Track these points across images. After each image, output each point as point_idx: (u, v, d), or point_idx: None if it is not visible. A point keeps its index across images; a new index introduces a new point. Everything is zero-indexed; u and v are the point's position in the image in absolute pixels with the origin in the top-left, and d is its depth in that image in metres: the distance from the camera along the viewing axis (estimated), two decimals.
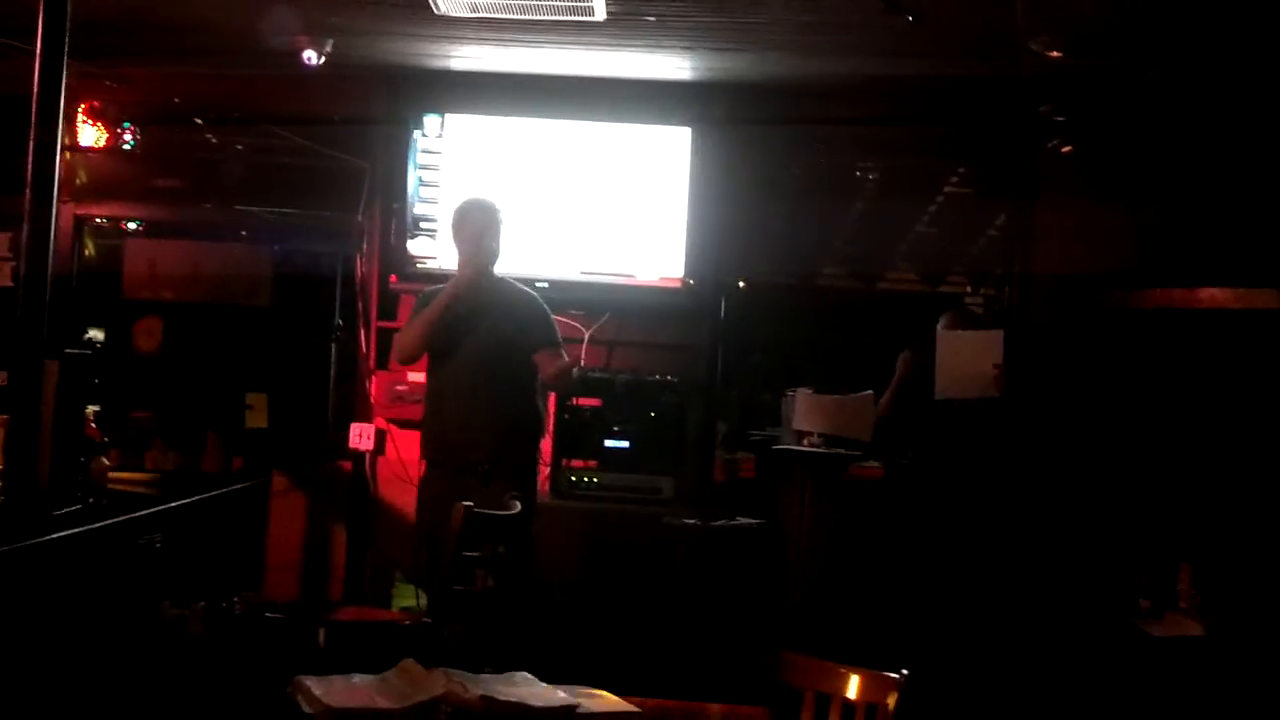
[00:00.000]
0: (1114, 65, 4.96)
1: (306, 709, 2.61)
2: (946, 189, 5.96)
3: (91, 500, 3.76)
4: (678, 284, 5.74)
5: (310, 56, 5.08)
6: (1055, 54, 4.58)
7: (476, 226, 4.88)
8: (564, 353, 4.97)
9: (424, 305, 4.91)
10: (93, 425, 4.21)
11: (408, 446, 5.67)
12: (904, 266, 6.06)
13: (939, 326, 5.35)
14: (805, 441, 5.44)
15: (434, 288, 5.02)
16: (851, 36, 4.79)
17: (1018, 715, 4.29)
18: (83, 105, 5.79)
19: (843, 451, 5.39)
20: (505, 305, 4.91)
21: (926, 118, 5.62)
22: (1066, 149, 5.60)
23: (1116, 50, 4.80)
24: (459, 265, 4.92)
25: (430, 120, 5.77)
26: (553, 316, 5.01)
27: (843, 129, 5.74)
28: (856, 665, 2.95)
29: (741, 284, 5.95)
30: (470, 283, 4.81)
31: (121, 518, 3.77)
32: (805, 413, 5.42)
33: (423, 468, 5.02)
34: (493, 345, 4.82)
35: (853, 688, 2.91)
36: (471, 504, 3.96)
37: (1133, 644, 4.30)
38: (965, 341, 5.32)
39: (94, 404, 4.44)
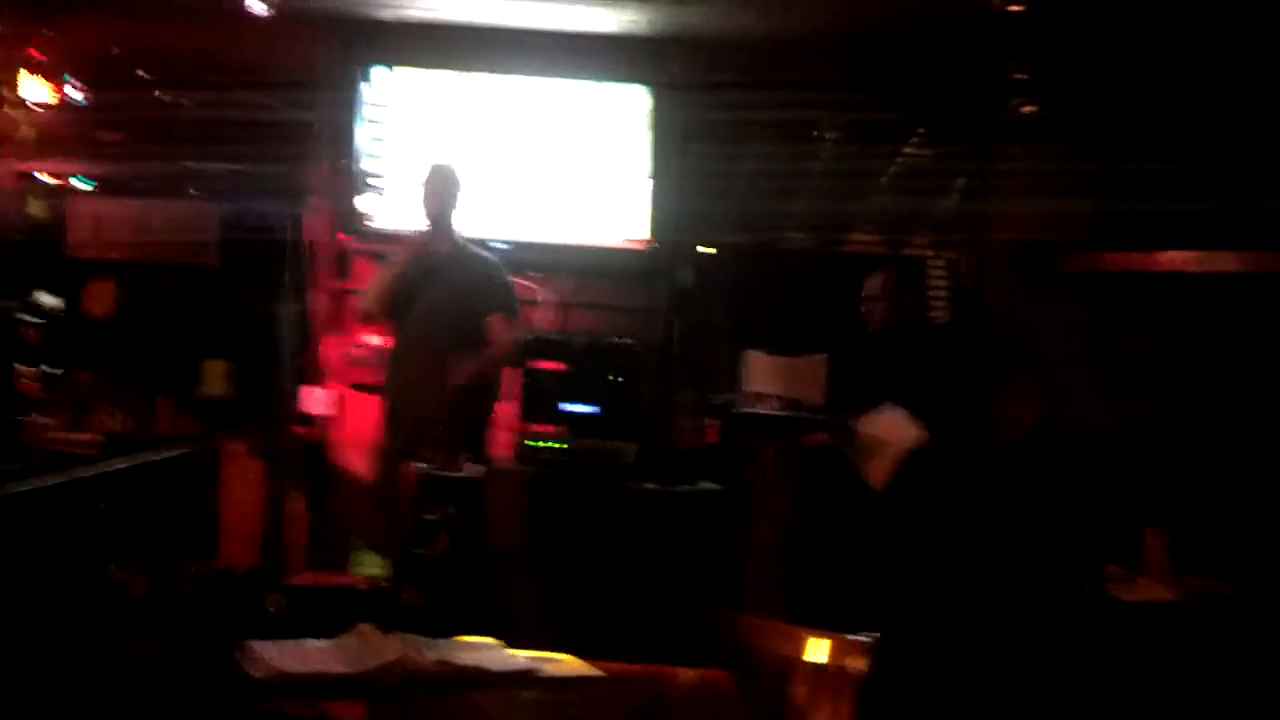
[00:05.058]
0: (1076, 19, 4.91)
1: (254, 673, 2.53)
2: (908, 150, 5.90)
3: (29, 461, 3.63)
4: (639, 246, 5.67)
5: (257, 5, 4.94)
6: (1016, 7, 4.52)
7: (435, 189, 4.91)
8: (516, 326, 4.94)
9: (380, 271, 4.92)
10: (30, 382, 4.07)
11: (364, 410, 5.56)
12: (866, 229, 6.00)
13: (872, 282, 5.26)
14: (764, 404, 5.38)
15: (394, 255, 5.00)
16: None
17: (985, 679, 4.27)
18: (21, 57, 5.61)
19: (803, 415, 5.33)
20: (465, 268, 4.91)
21: (888, 76, 5.55)
22: (1028, 108, 5.56)
23: (1078, 4, 4.75)
24: (421, 225, 4.91)
25: (378, 73, 5.63)
26: (512, 285, 5.00)
27: (803, 89, 5.66)
28: (822, 629, 2.91)
29: (703, 247, 5.87)
30: (429, 245, 4.78)
31: (58, 479, 3.65)
32: (756, 374, 5.39)
33: (375, 426, 4.99)
34: (450, 307, 4.83)
35: (814, 651, 2.87)
36: (426, 466, 3.90)
37: (1102, 609, 4.27)
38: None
39: (38, 366, 4.31)
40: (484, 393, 4.90)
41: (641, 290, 5.82)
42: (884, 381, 5.04)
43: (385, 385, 4.99)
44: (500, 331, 4.88)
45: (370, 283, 4.98)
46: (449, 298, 4.84)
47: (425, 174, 4.99)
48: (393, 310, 4.86)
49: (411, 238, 4.91)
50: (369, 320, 5.04)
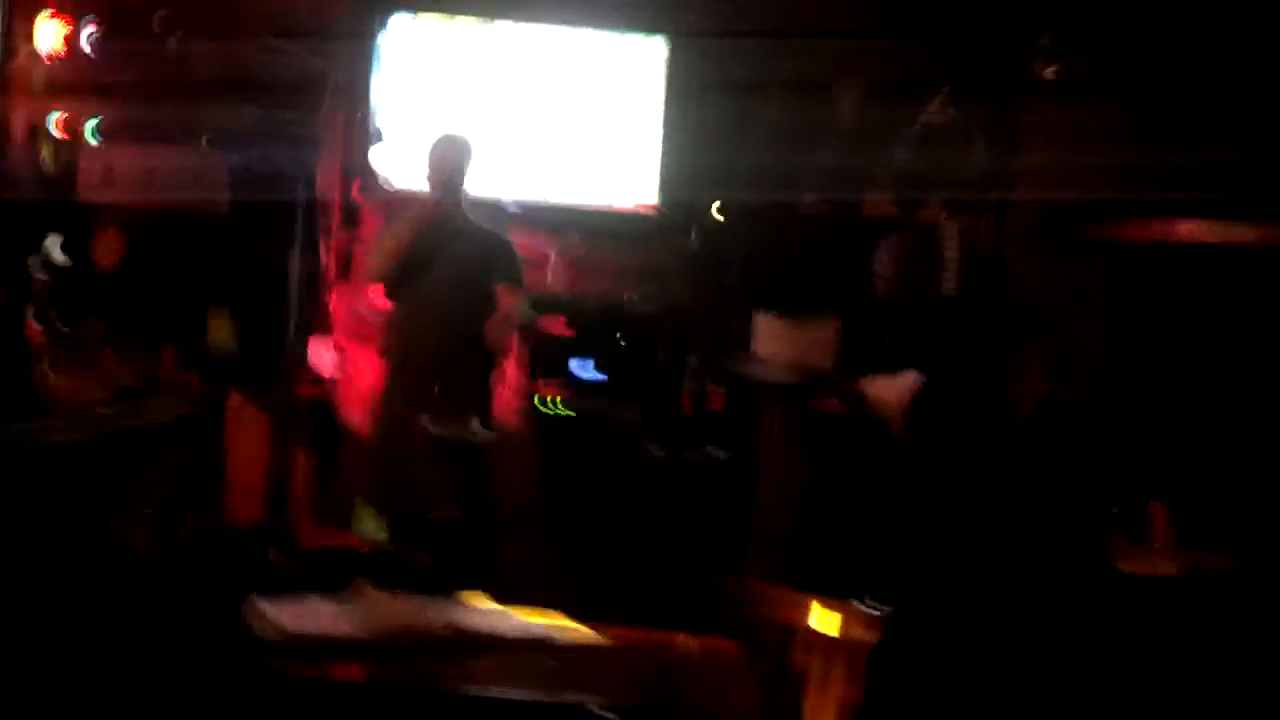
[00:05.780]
0: None
1: (262, 633, 2.52)
2: (928, 112, 5.82)
3: (38, 412, 3.62)
4: (650, 209, 5.62)
5: None
6: None
7: (447, 161, 4.90)
8: (522, 293, 4.95)
9: (387, 230, 4.90)
10: (39, 334, 4.05)
11: (371, 366, 5.53)
12: (882, 191, 5.93)
13: (884, 249, 5.21)
14: (773, 369, 5.34)
15: (403, 214, 4.95)
16: None
17: (991, 650, 4.26)
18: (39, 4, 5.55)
19: (810, 382, 5.28)
20: (472, 238, 4.91)
21: (909, 33, 5.47)
22: (1051, 71, 5.49)
23: None
24: (429, 193, 4.87)
25: (398, 20, 5.56)
26: (519, 256, 5.02)
27: (822, 46, 5.58)
28: (823, 596, 2.90)
29: (715, 207, 5.82)
30: (439, 211, 4.78)
31: (69, 430, 3.63)
32: (766, 337, 5.34)
33: (380, 388, 4.98)
34: (457, 274, 4.83)
35: (819, 619, 2.87)
36: (434, 429, 3.90)
37: (1106, 580, 4.26)
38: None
39: (55, 316, 4.28)
40: (488, 357, 4.90)
41: (654, 252, 5.77)
42: (896, 349, 5.01)
43: (389, 349, 4.98)
44: (508, 300, 4.89)
45: (378, 244, 4.95)
46: (457, 268, 4.85)
47: (434, 142, 4.96)
48: (399, 275, 4.85)
49: (422, 204, 4.87)
50: (374, 281, 5.02)
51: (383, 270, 4.88)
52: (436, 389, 4.55)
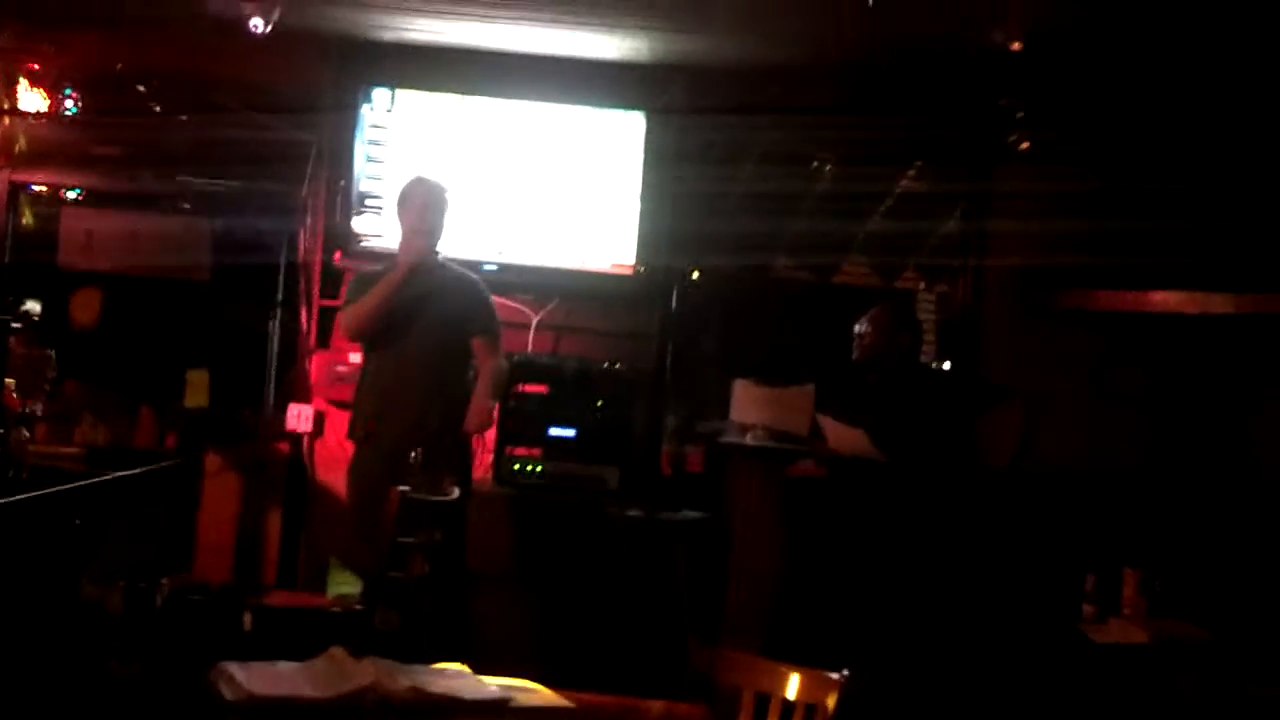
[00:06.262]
0: (1076, 59, 4.93)
1: (228, 695, 2.52)
2: (903, 182, 5.91)
3: (11, 473, 3.62)
4: (629, 271, 5.66)
5: (257, 24, 4.93)
6: (1016, 46, 4.54)
7: (421, 205, 4.84)
8: (500, 347, 4.93)
9: (358, 287, 4.88)
10: (13, 395, 4.06)
11: (346, 428, 5.55)
12: (858, 260, 6.00)
13: (865, 318, 5.27)
14: (750, 434, 5.37)
15: (372, 269, 4.98)
16: (805, 21, 4.73)
17: (959, 716, 4.26)
18: (21, 69, 5.61)
19: (787, 446, 5.32)
20: (449, 289, 4.88)
21: (884, 108, 5.56)
22: (1024, 145, 5.57)
23: (1079, 44, 4.77)
24: (402, 243, 4.90)
25: (379, 94, 5.64)
26: (494, 305, 4.99)
27: (799, 118, 5.68)
28: (797, 664, 2.90)
29: (694, 274, 5.87)
30: (421, 263, 4.73)
31: (40, 492, 3.63)
32: (743, 404, 5.37)
33: (352, 449, 4.96)
34: (434, 329, 4.80)
35: (792, 687, 2.86)
36: (408, 489, 3.88)
37: (1076, 649, 4.27)
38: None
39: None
40: (464, 415, 4.87)
41: (631, 315, 5.80)
42: (868, 411, 5.06)
43: (362, 405, 4.92)
44: (487, 358, 4.87)
45: (355, 300, 4.89)
46: (435, 318, 4.81)
47: (409, 186, 4.92)
48: (379, 331, 4.81)
49: (404, 256, 4.84)
50: (355, 336, 4.97)
51: (369, 323, 4.81)
52: (415, 449, 4.50)
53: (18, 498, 3.46)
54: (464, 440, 4.90)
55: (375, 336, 4.84)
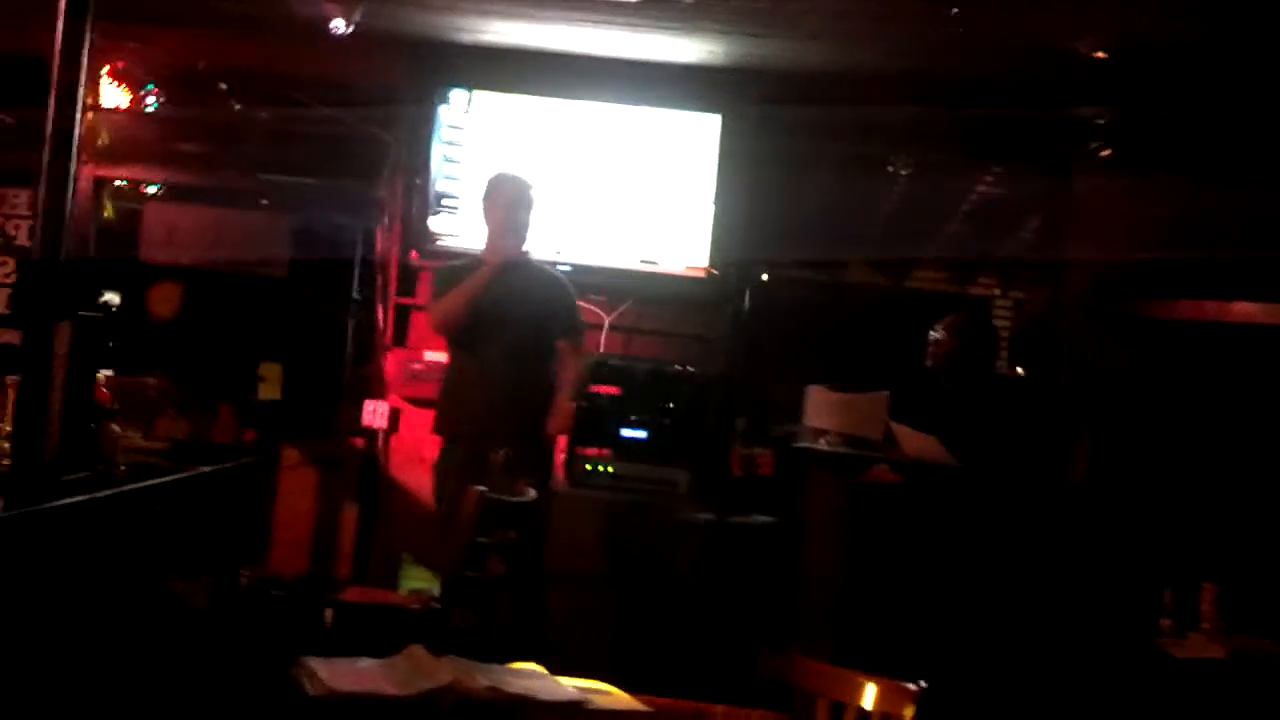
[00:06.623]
0: (1160, 68, 4.86)
1: (310, 690, 2.55)
2: (981, 187, 5.86)
3: (101, 467, 3.70)
4: (701, 273, 5.67)
5: (339, 24, 4.99)
6: (1100, 54, 4.49)
7: (508, 202, 4.82)
8: (583, 350, 4.94)
9: (447, 279, 4.85)
10: (104, 390, 4.14)
11: (421, 425, 5.60)
12: (933, 265, 5.96)
13: (941, 325, 5.23)
14: (823, 440, 5.36)
15: (458, 262, 4.97)
16: (888, 27, 4.70)
17: None
18: (107, 66, 5.72)
19: (861, 452, 5.30)
20: (537, 288, 4.85)
21: (962, 113, 5.52)
22: (1105, 152, 5.50)
23: (1164, 53, 4.70)
24: (488, 241, 4.86)
25: (456, 95, 5.68)
26: (579, 307, 5.00)
27: (875, 121, 5.64)
28: (872, 673, 2.88)
29: (765, 276, 5.86)
30: (510, 262, 4.73)
31: (131, 486, 3.70)
32: (817, 409, 5.34)
33: (432, 445, 4.98)
34: (521, 328, 4.76)
35: (869, 697, 2.84)
36: (486, 489, 3.90)
37: (1153, 664, 4.21)
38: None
39: (107, 369, 4.38)
40: (546, 417, 4.85)
41: (704, 318, 5.81)
42: (942, 420, 5.03)
43: (446, 402, 4.90)
44: (571, 360, 4.87)
45: (443, 294, 4.85)
46: (522, 317, 4.77)
47: (493, 182, 4.90)
48: (468, 327, 4.78)
49: (496, 252, 4.80)
50: (442, 332, 4.93)
51: (452, 323, 4.79)
52: (497, 450, 4.45)
53: (109, 492, 3.52)
54: (547, 441, 4.89)
55: (462, 333, 4.81)
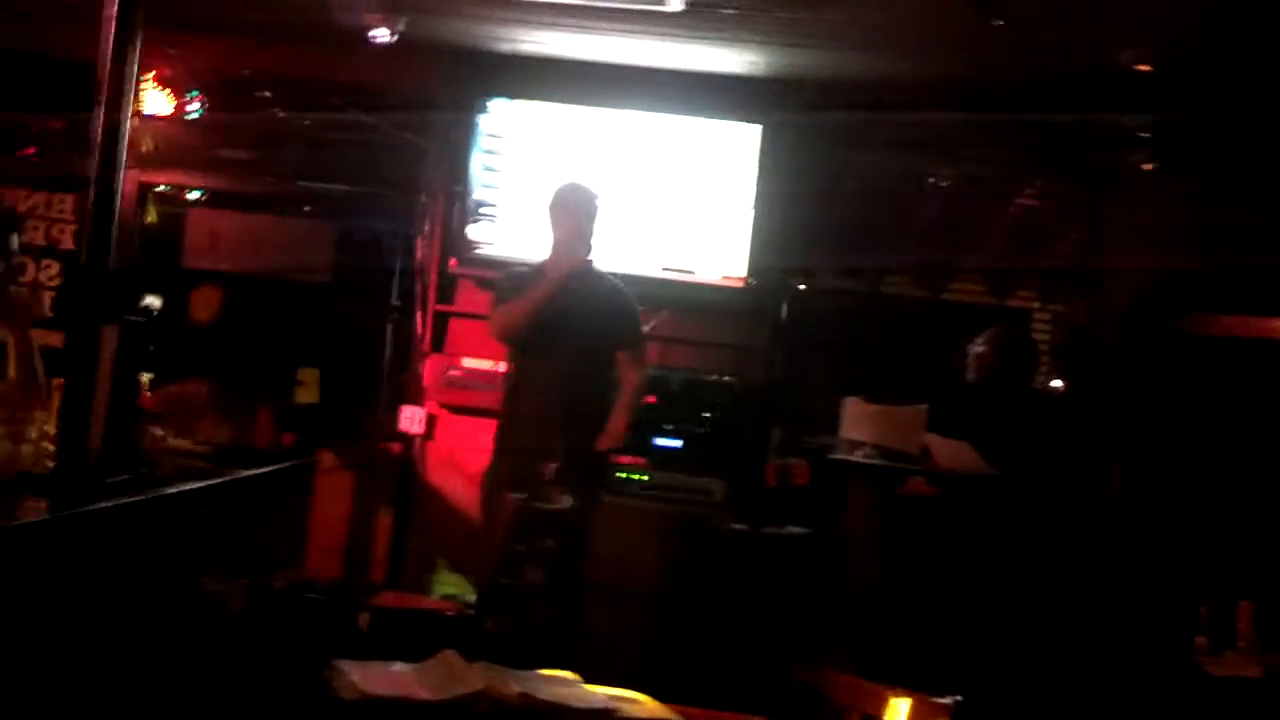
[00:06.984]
0: (1204, 83, 4.83)
1: (344, 694, 2.57)
2: (1020, 199, 5.83)
3: (143, 470, 3.73)
4: (739, 283, 5.66)
5: (381, 34, 5.02)
6: (1143, 67, 4.46)
7: (574, 212, 4.72)
8: (644, 363, 4.88)
9: (509, 287, 4.76)
10: (147, 394, 4.19)
11: (458, 432, 5.63)
12: (972, 276, 5.93)
13: (982, 340, 5.19)
14: (859, 452, 5.33)
15: (520, 269, 4.89)
16: (930, 38, 4.69)
17: None
18: (151, 73, 5.78)
19: (898, 465, 5.27)
20: (601, 300, 4.76)
21: (1003, 125, 5.50)
22: (1148, 165, 5.46)
23: (1208, 68, 4.67)
24: (554, 249, 4.73)
25: (496, 103, 5.71)
26: (640, 318, 4.90)
27: (915, 132, 5.63)
28: (907, 687, 2.87)
29: (802, 286, 5.85)
30: (575, 272, 4.67)
31: (172, 490, 3.74)
32: (854, 421, 5.30)
33: (473, 453, 4.97)
34: (583, 338, 4.68)
35: (900, 712, 2.83)
36: (524, 497, 3.90)
37: (1190, 681, 4.17)
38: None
39: (149, 372, 4.43)
40: (600, 429, 4.75)
41: (741, 328, 5.80)
42: (980, 434, 5.00)
43: (505, 410, 4.82)
44: (631, 373, 4.79)
45: (511, 298, 4.73)
46: (585, 328, 4.68)
47: (560, 192, 4.78)
48: (529, 335, 4.69)
49: (561, 262, 4.70)
50: (504, 340, 4.81)
51: (513, 332, 4.71)
52: (549, 461, 4.37)
53: (151, 494, 3.56)
54: (598, 454, 4.78)
55: (523, 341, 4.73)
